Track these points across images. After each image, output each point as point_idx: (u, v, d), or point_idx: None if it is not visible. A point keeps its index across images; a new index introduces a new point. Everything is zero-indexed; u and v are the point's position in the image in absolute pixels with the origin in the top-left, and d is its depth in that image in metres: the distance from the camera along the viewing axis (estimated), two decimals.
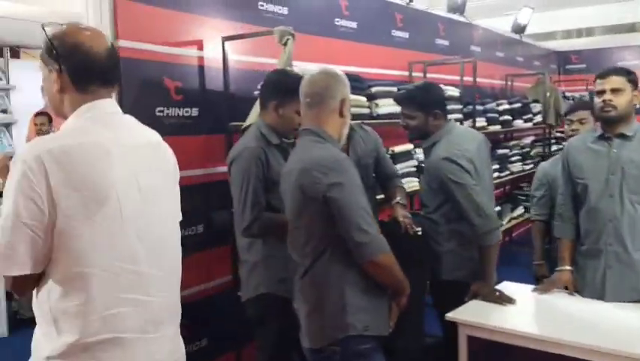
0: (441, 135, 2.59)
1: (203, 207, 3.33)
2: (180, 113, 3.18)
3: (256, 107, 3.07)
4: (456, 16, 6.05)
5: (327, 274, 1.91)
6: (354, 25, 4.49)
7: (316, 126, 2.03)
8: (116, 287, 1.45)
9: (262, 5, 3.70)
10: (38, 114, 5.83)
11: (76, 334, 1.41)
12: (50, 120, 5.79)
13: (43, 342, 1.45)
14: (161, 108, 3.08)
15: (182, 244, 1.73)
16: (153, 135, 1.67)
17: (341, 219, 1.84)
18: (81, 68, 1.50)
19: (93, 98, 1.52)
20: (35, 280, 1.45)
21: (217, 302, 3.36)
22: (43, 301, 1.45)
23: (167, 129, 3.10)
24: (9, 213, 1.38)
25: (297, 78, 2.60)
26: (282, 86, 2.55)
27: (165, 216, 1.62)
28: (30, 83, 7.32)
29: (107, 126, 1.51)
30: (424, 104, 2.60)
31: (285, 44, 2.94)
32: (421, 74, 5.12)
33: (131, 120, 1.62)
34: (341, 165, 1.90)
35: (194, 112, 3.26)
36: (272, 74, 2.66)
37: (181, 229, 1.70)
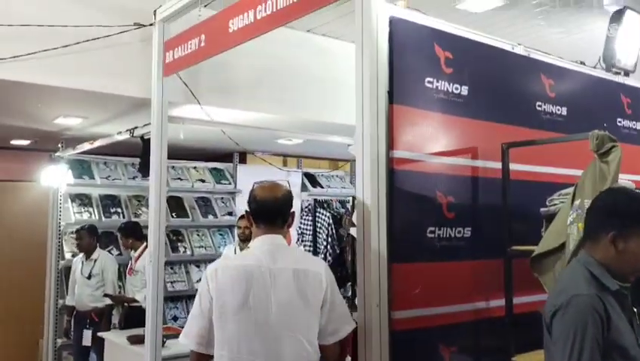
0: None
1: (473, 351, 2.66)
2: (452, 234, 2.64)
3: (555, 230, 2.41)
4: None
5: None
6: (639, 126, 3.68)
7: None
8: None
9: (540, 106, 3.12)
10: (241, 217, 5.63)
11: None
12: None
13: None
14: (432, 228, 2.57)
15: None
16: (303, 263, 2.18)
17: None
18: (254, 212, 2.26)
19: (263, 233, 2.22)
20: (206, 358, 2.14)
21: None
22: None
23: (437, 252, 2.58)
24: (196, 304, 2.17)
25: None
26: (624, 211, 1.87)
27: (294, 328, 2.08)
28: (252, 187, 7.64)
29: (263, 254, 2.15)
30: None
31: (606, 154, 2.27)
32: None
33: (286, 251, 2.22)
34: None
35: (467, 232, 2.70)
36: (606, 194, 1.99)
37: None
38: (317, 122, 5.05)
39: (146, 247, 5.40)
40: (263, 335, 2.05)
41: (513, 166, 2.77)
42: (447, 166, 2.65)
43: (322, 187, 7.85)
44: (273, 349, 2.05)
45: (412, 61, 2.55)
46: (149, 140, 4.32)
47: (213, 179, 7.05)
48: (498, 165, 2.74)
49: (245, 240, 5.48)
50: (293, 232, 7.76)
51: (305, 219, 5.69)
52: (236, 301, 2.07)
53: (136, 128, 4.54)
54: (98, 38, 3.97)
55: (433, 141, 2.62)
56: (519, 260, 2.63)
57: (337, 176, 8.23)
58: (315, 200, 5.62)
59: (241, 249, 5.40)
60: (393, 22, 2.48)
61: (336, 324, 2.17)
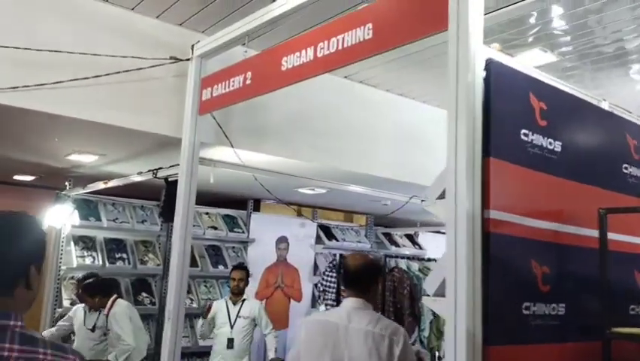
0: None
1: None
2: (546, 311, 2.27)
3: None
4: None
5: None
6: None
7: None
8: None
9: (626, 168, 2.82)
10: (235, 269, 5.12)
11: None
12: (248, 275, 5.15)
13: None
14: (527, 303, 2.20)
15: None
16: (377, 326, 2.44)
17: None
18: (342, 278, 2.82)
19: (348, 295, 2.61)
20: None
21: None
22: None
23: (532, 333, 2.20)
24: (292, 348, 2.77)
25: None
26: None
27: None
28: (266, 235, 7.24)
29: (344, 313, 2.53)
30: None
31: None
32: None
33: (363, 313, 2.50)
34: None
35: (561, 309, 2.32)
36: None
37: None
38: (351, 173, 4.74)
39: (115, 299, 4.73)
40: None
41: (611, 236, 2.42)
42: (541, 231, 2.30)
43: (337, 240, 7.46)
44: None
45: (509, 109, 2.24)
46: (173, 182, 3.98)
47: (226, 226, 6.66)
48: (593, 232, 2.40)
49: (238, 293, 5.02)
50: (306, 288, 7.33)
51: (328, 276, 5.28)
52: (316, 351, 2.45)
53: (160, 168, 4.19)
54: (130, 71, 3.67)
55: (527, 202, 2.29)
56: (620, 343, 2.26)
57: (352, 229, 7.87)
58: (341, 255, 5.21)
59: (233, 303, 4.99)
60: (491, 66, 2.18)
61: None
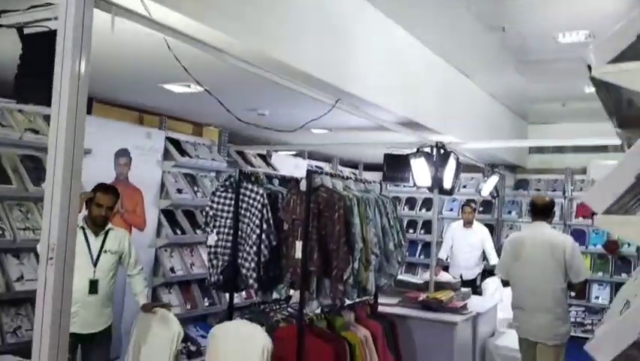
0: None
1: None
2: None
3: None
4: None
5: None
6: None
7: None
8: (523, 291, 4.42)
9: None
10: (99, 189, 4.00)
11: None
12: (117, 196, 4.03)
13: None
14: None
15: None
16: (556, 238, 4.43)
17: None
18: (533, 211, 4.59)
19: (535, 220, 4.53)
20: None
21: None
22: None
23: None
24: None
25: None
26: None
27: (541, 274, 4.29)
28: (104, 146, 5.40)
29: (532, 231, 4.54)
30: None
31: None
32: None
33: (546, 229, 4.45)
34: None
35: None
36: None
37: None
38: (279, 63, 3.50)
39: None
40: (531, 274, 4.35)
41: None
42: None
43: (191, 157, 6.12)
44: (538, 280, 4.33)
45: None
46: (40, 35, 2.36)
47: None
48: None
49: (101, 225, 3.91)
50: (151, 214, 5.87)
51: (220, 198, 4.05)
52: (515, 255, 4.45)
53: (6, 12, 2.46)
54: None
55: None
56: None
57: (204, 145, 6.56)
58: (241, 171, 4.03)
59: (94, 234, 3.88)
60: None
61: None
